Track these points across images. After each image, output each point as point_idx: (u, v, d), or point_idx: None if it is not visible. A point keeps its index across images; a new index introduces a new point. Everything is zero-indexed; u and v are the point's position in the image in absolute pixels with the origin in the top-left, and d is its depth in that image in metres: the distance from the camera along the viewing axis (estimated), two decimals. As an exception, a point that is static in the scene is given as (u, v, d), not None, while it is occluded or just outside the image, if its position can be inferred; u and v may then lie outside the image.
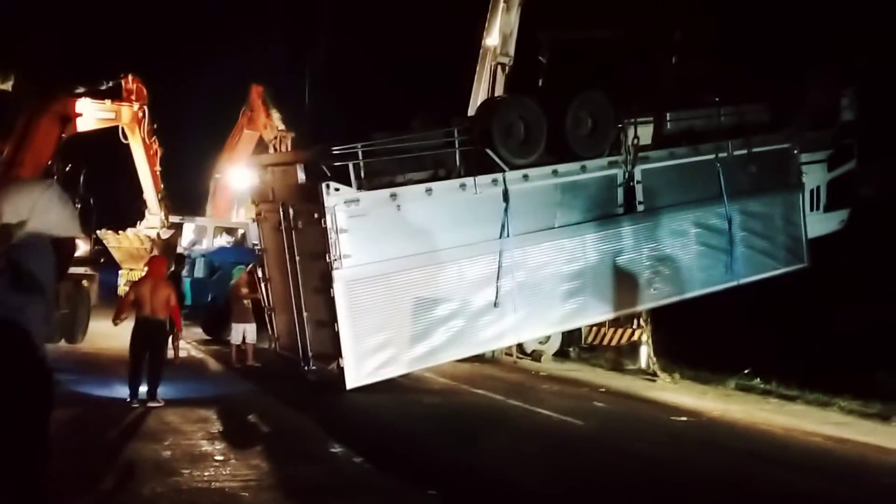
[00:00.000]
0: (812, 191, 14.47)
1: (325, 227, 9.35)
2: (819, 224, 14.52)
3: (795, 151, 13.92)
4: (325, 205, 9.33)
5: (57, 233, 3.07)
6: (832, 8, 18.22)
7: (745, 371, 14.76)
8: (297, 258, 10.47)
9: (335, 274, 9.34)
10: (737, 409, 12.44)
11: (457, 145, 10.53)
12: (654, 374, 15.25)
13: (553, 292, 11.19)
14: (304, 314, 10.53)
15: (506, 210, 10.50)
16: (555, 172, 11.12)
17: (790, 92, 14.34)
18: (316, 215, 9.53)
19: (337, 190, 9.42)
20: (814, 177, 14.46)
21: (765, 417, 11.94)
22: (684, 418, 11.51)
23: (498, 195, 10.54)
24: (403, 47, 28.72)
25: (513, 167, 10.72)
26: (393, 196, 9.82)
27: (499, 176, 10.54)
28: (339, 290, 9.38)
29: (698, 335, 15.74)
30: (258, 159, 14.48)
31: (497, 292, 10.48)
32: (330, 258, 9.33)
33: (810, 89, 14.50)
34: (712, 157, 12.79)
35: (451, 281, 10.27)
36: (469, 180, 10.36)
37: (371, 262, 9.64)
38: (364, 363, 9.64)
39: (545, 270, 11.07)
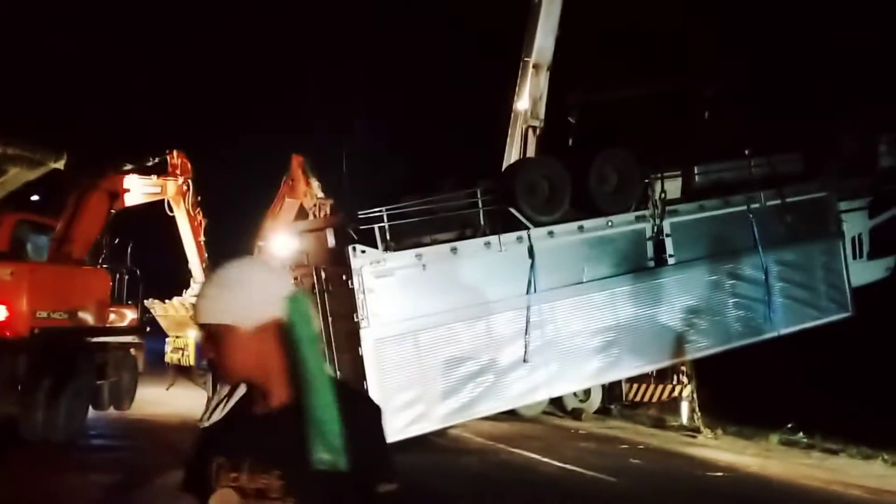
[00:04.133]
0: (853, 239, 14.24)
1: (353, 288, 9.59)
2: (864, 272, 14.25)
3: (833, 200, 13.79)
4: (352, 266, 9.61)
5: None
6: (865, 54, 18.25)
7: (789, 426, 14.49)
8: (330, 319, 10.70)
9: (362, 333, 9.55)
10: (776, 465, 12.22)
11: (480, 205, 10.74)
12: (696, 431, 15.05)
13: (584, 346, 11.19)
14: (338, 373, 10.72)
15: (532, 266, 10.62)
16: (581, 228, 11.23)
17: (825, 141, 14.29)
18: (344, 277, 9.79)
19: (363, 252, 9.69)
20: (854, 224, 14.24)
21: (804, 472, 11.70)
22: (720, 474, 11.35)
23: (523, 252, 10.69)
24: (437, 111, 29.39)
25: (538, 224, 10.88)
26: (418, 256, 10.05)
27: (523, 233, 10.70)
28: (366, 349, 9.58)
29: (743, 390, 15.52)
30: (295, 226, 14.89)
31: (526, 347, 10.52)
32: (357, 318, 9.55)
33: (846, 137, 14.43)
34: (744, 208, 12.74)
35: (478, 337, 10.37)
36: (494, 238, 10.54)
37: (398, 320, 9.82)
38: (394, 420, 9.72)
39: (575, 325, 11.09)
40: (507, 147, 15.67)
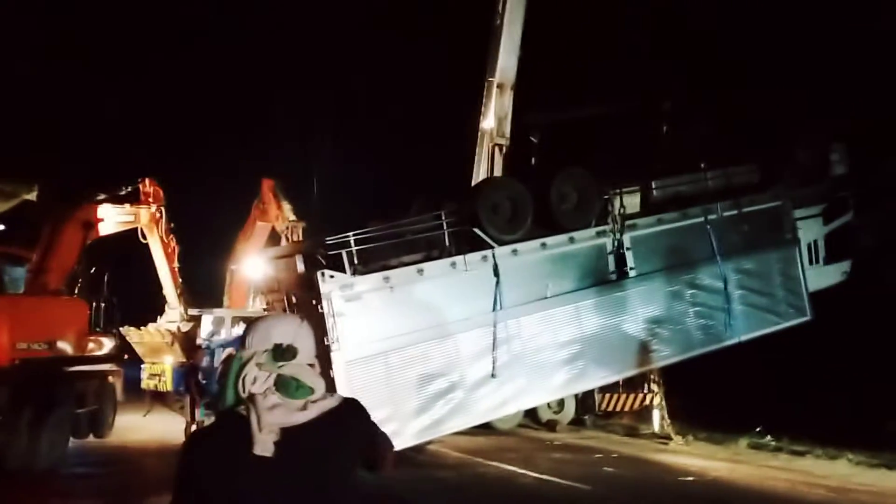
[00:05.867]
0: (809, 245, 14.71)
1: (322, 313, 9.87)
2: (820, 277, 14.71)
3: (788, 208, 14.24)
4: (321, 291, 9.89)
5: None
6: (817, 67, 18.85)
7: (757, 430, 14.90)
8: (303, 343, 10.95)
9: (333, 356, 9.81)
10: (745, 468, 12.64)
11: (445, 227, 11.08)
12: (668, 438, 15.45)
13: (551, 360, 11.52)
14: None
15: (497, 284, 10.97)
16: (543, 245, 11.60)
17: (779, 152, 14.76)
18: (314, 302, 10.07)
19: (332, 277, 9.99)
20: (810, 231, 14.71)
21: (772, 474, 12.13)
22: (691, 478, 11.74)
23: (489, 271, 11.03)
24: (409, 132, 29.79)
25: (502, 243, 11.24)
26: (386, 279, 10.35)
27: (488, 252, 11.06)
28: (337, 371, 9.84)
29: (713, 396, 15.94)
30: (266, 252, 15.16)
31: (494, 363, 10.85)
32: (328, 341, 9.83)
33: (798, 148, 14.90)
34: (702, 219, 13.16)
35: (447, 355, 10.68)
36: (459, 259, 10.88)
37: (368, 342, 10.11)
38: (367, 439, 9.98)
39: (541, 339, 11.42)
40: (474, 165, 16.03)
